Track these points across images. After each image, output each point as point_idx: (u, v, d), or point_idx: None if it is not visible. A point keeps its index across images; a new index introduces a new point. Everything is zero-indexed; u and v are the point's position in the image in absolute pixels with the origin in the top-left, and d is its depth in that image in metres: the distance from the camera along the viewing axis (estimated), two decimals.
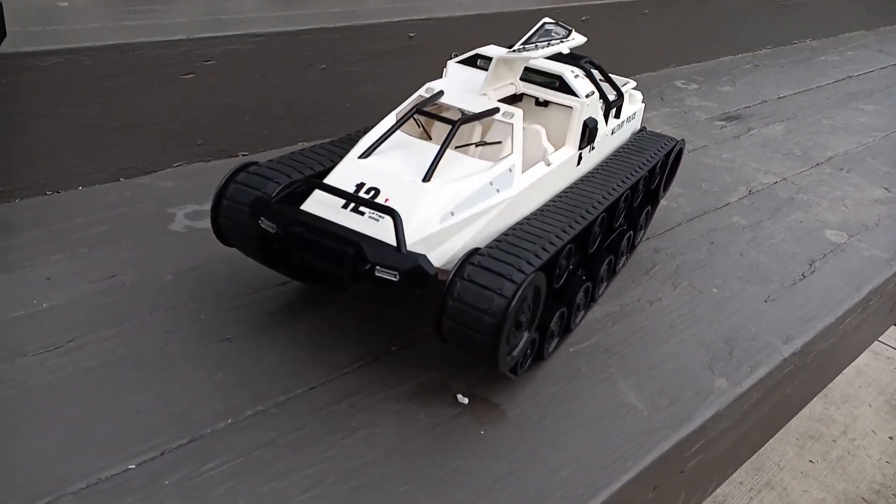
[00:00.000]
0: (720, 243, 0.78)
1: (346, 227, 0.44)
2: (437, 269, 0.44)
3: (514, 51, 0.54)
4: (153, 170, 0.77)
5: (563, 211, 0.53)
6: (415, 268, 0.42)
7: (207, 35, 0.75)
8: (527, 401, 0.53)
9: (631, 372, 0.57)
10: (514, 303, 0.42)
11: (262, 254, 0.51)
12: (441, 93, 0.54)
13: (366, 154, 0.49)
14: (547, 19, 0.56)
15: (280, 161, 0.53)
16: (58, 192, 0.70)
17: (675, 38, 1.31)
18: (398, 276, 0.42)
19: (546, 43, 0.54)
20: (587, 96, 0.58)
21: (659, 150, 0.69)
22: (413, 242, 0.44)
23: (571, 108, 0.58)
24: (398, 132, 0.52)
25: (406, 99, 0.55)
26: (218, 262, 0.63)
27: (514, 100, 0.60)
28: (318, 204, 0.46)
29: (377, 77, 0.90)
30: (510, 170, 0.50)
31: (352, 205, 0.45)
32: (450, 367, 0.54)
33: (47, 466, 0.43)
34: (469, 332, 0.43)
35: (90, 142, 0.72)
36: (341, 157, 0.50)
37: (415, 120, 0.54)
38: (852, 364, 0.94)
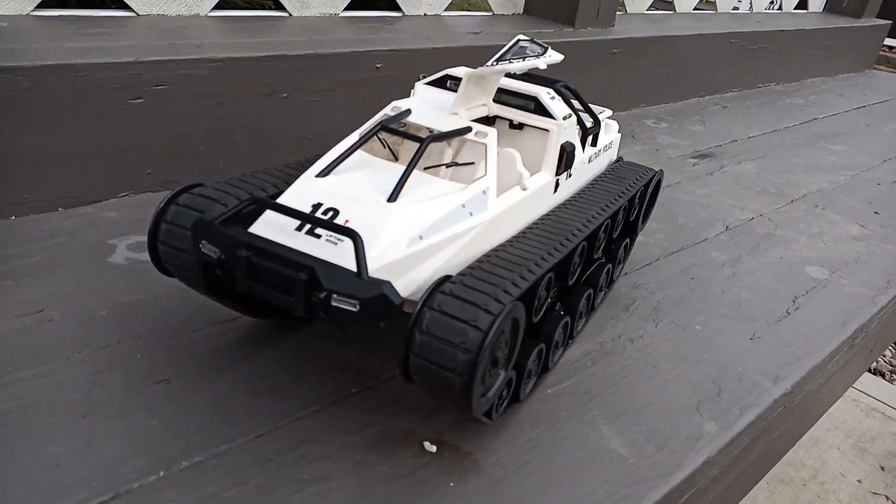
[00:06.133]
0: (700, 279, 0.74)
1: (298, 251, 0.39)
2: (403, 299, 0.39)
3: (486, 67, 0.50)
4: (96, 199, 0.71)
5: (542, 238, 0.48)
6: (378, 296, 0.37)
7: (158, 58, 0.70)
8: (502, 448, 0.48)
9: (614, 415, 0.52)
10: (490, 336, 0.37)
11: (205, 284, 0.46)
12: (408, 111, 0.50)
13: (324, 172, 0.44)
14: (521, 36, 0.53)
15: (228, 182, 0.48)
16: None
17: (645, 79, 1.30)
18: (358, 306, 0.37)
19: (521, 59, 0.51)
20: (564, 119, 0.55)
21: (638, 180, 0.66)
22: (375, 269, 0.39)
23: (548, 130, 0.54)
24: (361, 152, 0.48)
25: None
26: (161, 297, 0.57)
27: (487, 122, 0.56)
28: (269, 226, 0.41)
29: (342, 107, 0.86)
30: (484, 192, 0.46)
31: (307, 227, 0.40)
32: (416, 410, 0.49)
33: None
34: (440, 371, 0.38)
35: (26, 169, 0.66)
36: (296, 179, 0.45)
37: (380, 140, 0.50)
38: None
